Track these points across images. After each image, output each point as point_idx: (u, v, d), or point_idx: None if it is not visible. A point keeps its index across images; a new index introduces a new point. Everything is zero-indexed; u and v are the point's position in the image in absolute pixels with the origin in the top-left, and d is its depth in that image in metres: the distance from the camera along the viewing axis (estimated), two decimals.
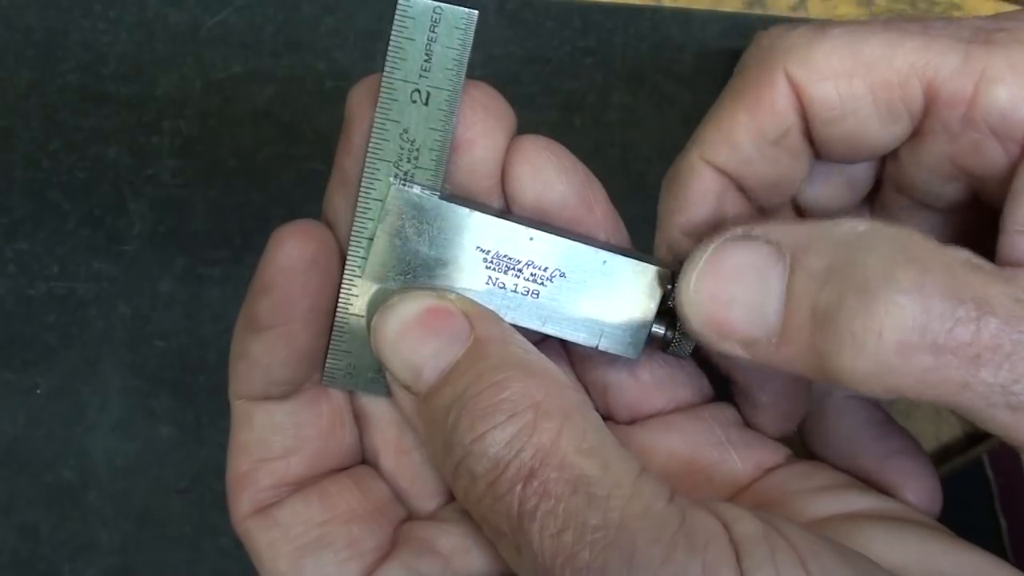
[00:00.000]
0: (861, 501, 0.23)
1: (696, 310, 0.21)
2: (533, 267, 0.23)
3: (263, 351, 0.23)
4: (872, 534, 0.22)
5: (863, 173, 0.25)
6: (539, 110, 0.50)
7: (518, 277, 0.23)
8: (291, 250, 0.22)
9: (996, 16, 0.21)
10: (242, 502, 0.24)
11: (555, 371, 0.21)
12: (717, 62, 0.54)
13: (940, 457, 0.45)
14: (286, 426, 0.24)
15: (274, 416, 0.24)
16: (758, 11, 0.57)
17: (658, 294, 0.23)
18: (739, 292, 0.20)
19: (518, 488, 0.18)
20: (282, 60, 0.51)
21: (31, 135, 0.49)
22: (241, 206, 0.49)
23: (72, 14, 0.52)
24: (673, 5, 0.56)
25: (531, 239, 0.23)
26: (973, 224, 0.24)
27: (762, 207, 0.24)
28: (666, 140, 0.51)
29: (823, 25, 0.22)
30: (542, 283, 0.23)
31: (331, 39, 0.52)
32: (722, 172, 0.23)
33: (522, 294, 0.23)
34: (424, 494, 0.25)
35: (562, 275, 0.23)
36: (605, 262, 0.23)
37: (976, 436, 0.46)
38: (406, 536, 0.24)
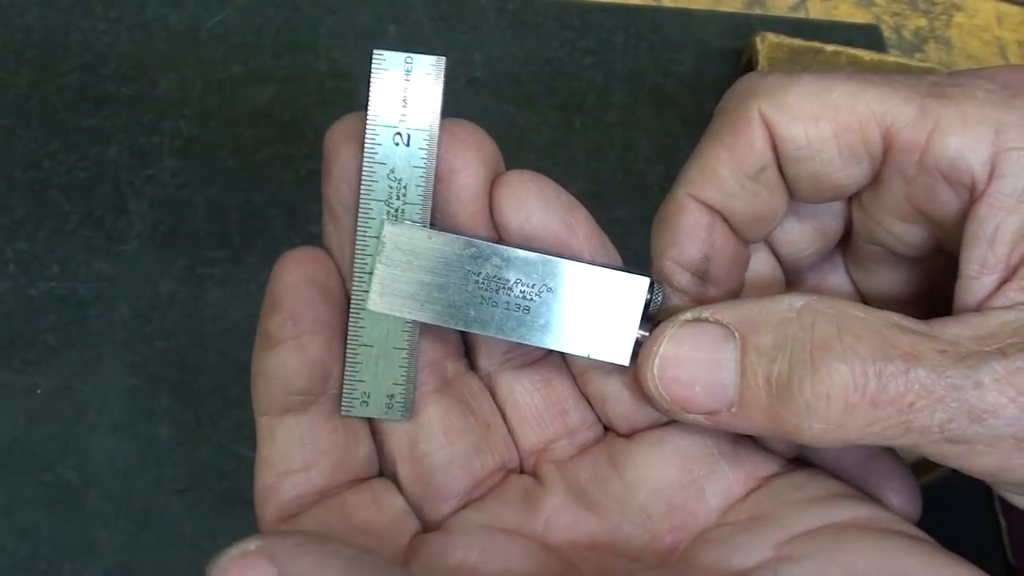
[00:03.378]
0: (851, 512, 0.24)
1: (661, 392, 0.24)
2: (522, 285, 0.24)
3: (277, 364, 0.24)
4: (853, 545, 0.23)
5: (833, 220, 0.27)
6: (539, 110, 0.50)
7: (509, 295, 0.24)
8: (294, 271, 0.24)
9: (952, 73, 0.24)
10: (269, 512, 0.25)
11: None
12: (717, 62, 0.54)
13: None
14: (305, 440, 0.25)
15: (294, 431, 0.25)
16: (758, 11, 0.57)
17: (641, 302, 0.25)
18: (698, 372, 0.23)
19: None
20: (282, 60, 0.51)
21: (31, 135, 0.49)
22: (241, 206, 0.49)
23: (72, 14, 0.52)
24: (673, 5, 0.56)
25: (517, 258, 0.24)
26: (939, 272, 0.26)
27: (747, 240, 0.26)
28: (666, 140, 0.51)
29: (795, 72, 0.25)
30: (531, 299, 0.25)
31: (331, 39, 0.52)
32: (708, 207, 0.25)
33: (514, 310, 0.25)
34: (438, 498, 0.26)
35: (550, 290, 0.25)
36: (589, 275, 0.25)
37: None
38: (419, 549, 0.25)
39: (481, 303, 0.24)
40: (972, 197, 0.23)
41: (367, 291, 0.24)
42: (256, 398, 0.25)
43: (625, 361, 0.25)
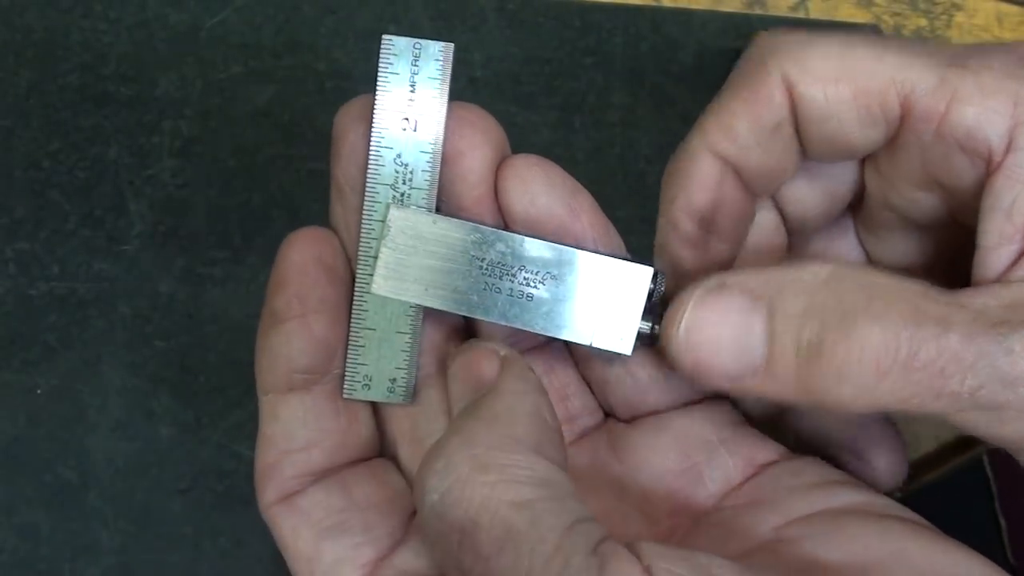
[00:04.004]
0: (847, 497, 0.24)
1: (686, 356, 0.23)
2: (525, 272, 0.25)
3: (282, 341, 0.25)
4: (851, 529, 0.23)
5: (843, 183, 0.27)
6: (539, 110, 0.50)
7: (512, 282, 0.24)
8: (300, 250, 0.24)
9: (972, 46, 0.25)
10: (268, 491, 0.25)
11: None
12: (717, 62, 0.54)
13: (940, 457, 0.45)
14: (308, 419, 0.25)
15: (297, 410, 0.25)
16: (758, 11, 0.57)
17: (644, 292, 0.25)
18: (724, 337, 0.23)
19: (454, 536, 0.20)
20: (282, 60, 0.51)
21: (31, 135, 0.49)
22: (241, 206, 0.49)
23: (72, 14, 0.52)
24: (673, 5, 0.56)
25: (522, 245, 0.24)
26: (952, 242, 0.26)
27: (756, 194, 0.26)
28: (666, 140, 0.51)
29: (816, 34, 0.25)
30: (535, 287, 0.25)
31: (331, 39, 0.52)
32: (722, 159, 0.25)
33: (517, 298, 0.25)
34: None
35: (553, 278, 0.25)
36: (593, 264, 0.25)
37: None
38: (416, 524, 0.25)
39: (485, 289, 0.24)
40: (989, 168, 0.23)
41: (371, 274, 0.24)
42: (260, 376, 0.25)
43: (628, 351, 0.25)
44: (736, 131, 0.25)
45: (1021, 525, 0.45)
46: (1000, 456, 0.46)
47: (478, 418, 0.22)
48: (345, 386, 0.25)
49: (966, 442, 0.46)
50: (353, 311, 0.25)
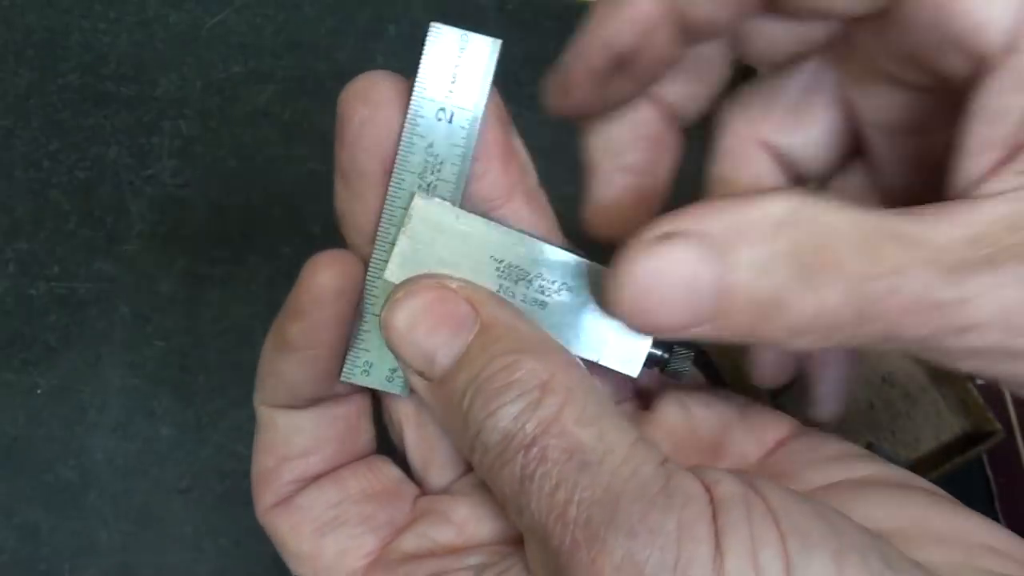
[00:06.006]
0: (865, 469, 0.24)
1: (634, 308, 0.22)
2: (542, 279, 0.24)
3: (291, 370, 0.24)
4: (873, 498, 0.23)
5: (818, 27, 0.25)
6: (539, 110, 0.50)
7: (527, 288, 0.24)
8: (324, 279, 0.24)
9: None
10: (265, 496, 0.25)
11: (560, 349, 0.23)
12: None
13: (940, 457, 0.45)
14: (307, 428, 0.25)
15: (296, 420, 0.25)
16: None
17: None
18: (675, 291, 0.21)
19: (520, 455, 0.20)
20: (282, 60, 0.51)
21: (31, 135, 0.49)
22: (241, 206, 0.49)
23: (72, 14, 0.52)
24: None
25: (543, 252, 0.24)
26: (940, 112, 0.24)
27: (690, 42, 0.24)
28: None
29: None
30: (549, 296, 0.24)
31: (331, 39, 0.52)
32: (660, 1, 0.23)
33: (530, 304, 0.24)
34: (442, 465, 0.26)
35: (569, 289, 0.24)
36: None
37: (976, 436, 0.46)
38: (421, 509, 0.26)
39: (499, 291, 0.24)
40: (983, 68, 0.21)
41: (386, 260, 0.24)
42: (261, 390, 0.25)
43: (635, 373, 0.24)
44: None
45: (1021, 525, 0.45)
46: (1000, 456, 0.46)
47: (508, 352, 0.21)
48: (344, 369, 0.25)
49: (966, 442, 0.46)
50: (364, 295, 0.24)
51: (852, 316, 0.20)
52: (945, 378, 0.47)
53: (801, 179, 0.28)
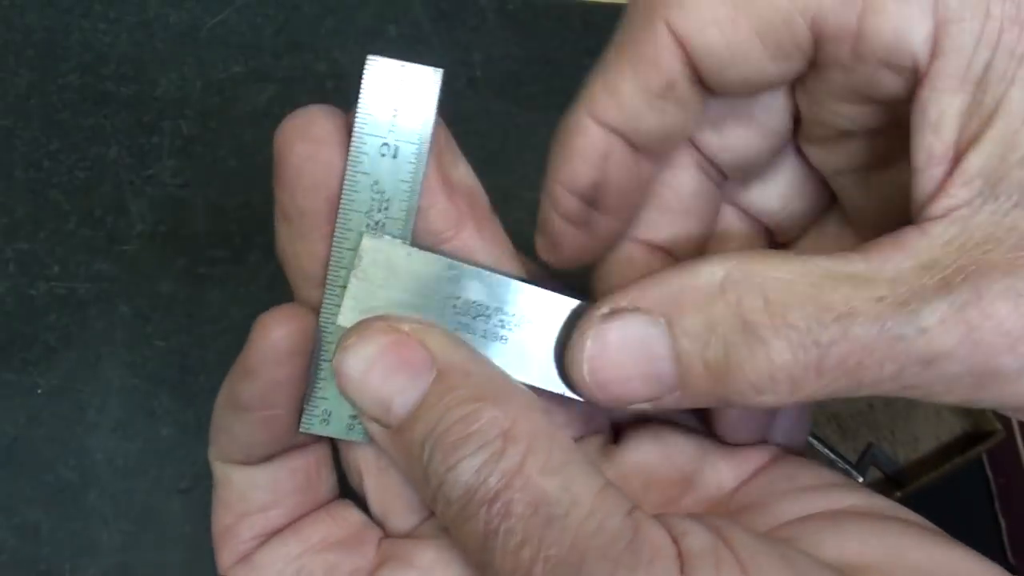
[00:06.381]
0: (844, 499, 0.24)
1: (597, 394, 0.22)
2: (502, 313, 0.23)
3: (244, 431, 0.24)
4: (848, 530, 0.22)
5: (774, 119, 0.24)
6: (539, 110, 0.50)
7: (487, 323, 0.23)
8: (276, 339, 0.23)
9: None
10: (224, 554, 0.25)
11: (521, 392, 0.22)
12: None
13: (940, 457, 0.45)
14: (264, 484, 0.24)
15: (253, 475, 0.24)
16: None
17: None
18: (630, 367, 0.21)
19: (483, 510, 0.20)
20: (282, 60, 0.51)
21: (31, 135, 0.49)
22: (241, 206, 0.49)
23: (72, 14, 0.52)
24: None
25: (499, 285, 0.23)
26: (897, 146, 0.23)
27: (651, 159, 0.24)
28: None
29: None
30: (510, 329, 0.23)
31: (331, 39, 0.52)
32: (608, 128, 0.23)
33: (491, 339, 0.23)
34: (404, 510, 0.25)
35: (529, 321, 0.23)
36: (572, 310, 0.23)
37: (976, 436, 0.46)
38: (386, 553, 0.25)
39: (458, 328, 0.23)
40: (915, 79, 0.20)
41: (338, 305, 0.23)
42: (215, 446, 0.24)
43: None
44: (623, 96, 0.22)
45: (1021, 525, 0.45)
46: (1000, 456, 0.46)
47: (466, 400, 0.21)
48: (303, 420, 0.24)
49: (966, 442, 0.46)
50: (317, 342, 0.23)
51: (809, 370, 0.20)
52: None
53: (772, 234, 0.27)
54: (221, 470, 0.25)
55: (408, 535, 0.25)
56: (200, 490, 0.44)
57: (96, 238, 0.47)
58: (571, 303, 0.24)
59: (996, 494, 0.46)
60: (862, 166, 0.25)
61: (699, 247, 0.26)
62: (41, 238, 0.47)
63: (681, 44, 0.21)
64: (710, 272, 0.21)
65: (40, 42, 0.51)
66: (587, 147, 0.23)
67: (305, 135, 0.23)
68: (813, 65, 0.22)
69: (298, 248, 0.23)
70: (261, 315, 0.23)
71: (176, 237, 0.48)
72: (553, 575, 0.19)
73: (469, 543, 0.20)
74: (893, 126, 0.23)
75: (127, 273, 0.47)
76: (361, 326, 0.22)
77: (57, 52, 0.51)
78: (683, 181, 0.25)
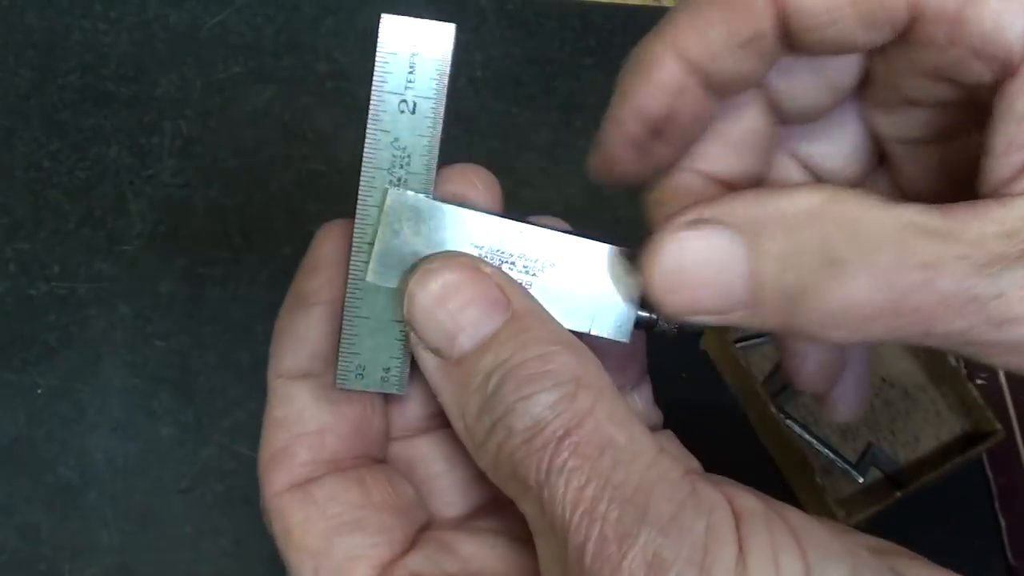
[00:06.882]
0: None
1: (667, 298, 0.22)
2: (525, 259, 0.24)
3: (308, 324, 0.24)
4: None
5: (843, 75, 0.25)
6: (539, 110, 0.50)
7: (511, 269, 0.24)
8: (336, 239, 0.24)
9: None
10: (278, 476, 0.24)
11: (587, 350, 0.23)
12: None
13: (940, 457, 0.45)
14: (323, 402, 0.25)
15: (312, 392, 0.25)
16: None
17: (642, 279, 0.24)
18: (704, 277, 0.22)
19: (551, 445, 0.20)
20: (282, 60, 0.51)
21: (31, 135, 0.49)
22: (241, 206, 0.49)
23: (72, 14, 0.52)
24: (673, 5, 0.56)
25: (521, 232, 0.24)
26: (964, 120, 0.24)
27: (719, 98, 0.25)
28: None
29: None
30: (534, 274, 0.24)
31: (331, 39, 0.52)
32: (688, 63, 0.24)
33: None
34: (456, 500, 0.26)
35: (552, 265, 0.24)
36: (592, 251, 0.24)
37: (976, 436, 0.46)
38: (428, 538, 0.25)
39: None
40: (1006, 72, 0.21)
41: (366, 262, 0.24)
42: (277, 358, 0.25)
43: (625, 338, 0.24)
44: (709, 39, 0.23)
45: (1021, 525, 0.45)
46: (1000, 456, 0.46)
47: (543, 342, 0.22)
48: (338, 376, 0.24)
49: (966, 442, 0.46)
50: (346, 300, 0.24)
51: (884, 309, 0.20)
52: (945, 378, 0.47)
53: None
54: (281, 387, 0.25)
55: (449, 527, 0.26)
56: (200, 490, 0.45)
57: (96, 238, 0.47)
58: (592, 246, 0.24)
59: (996, 494, 0.46)
60: (922, 137, 0.25)
61: (754, 185, 0.26)
62: (41, 238, 0.47)
63: (777, 1, 0.22)
64: (801, 200, 0.21)
65: (40, 42, 0.51)
66: (664, 79, 0.24)
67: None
68: (902, 37, 0.22)
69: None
70: (324, 224, 0.25)
71: (176, 237, 0.48)
72: (619, 513, 0.20)
73: (528, 476, 0.21)
74: (964, 105, 0.23)
75: (127, 273, 0.47)
76: (445, 255, 0.23)
77: (57, 52, 0.51)
78: (747, 119, 0.26)
